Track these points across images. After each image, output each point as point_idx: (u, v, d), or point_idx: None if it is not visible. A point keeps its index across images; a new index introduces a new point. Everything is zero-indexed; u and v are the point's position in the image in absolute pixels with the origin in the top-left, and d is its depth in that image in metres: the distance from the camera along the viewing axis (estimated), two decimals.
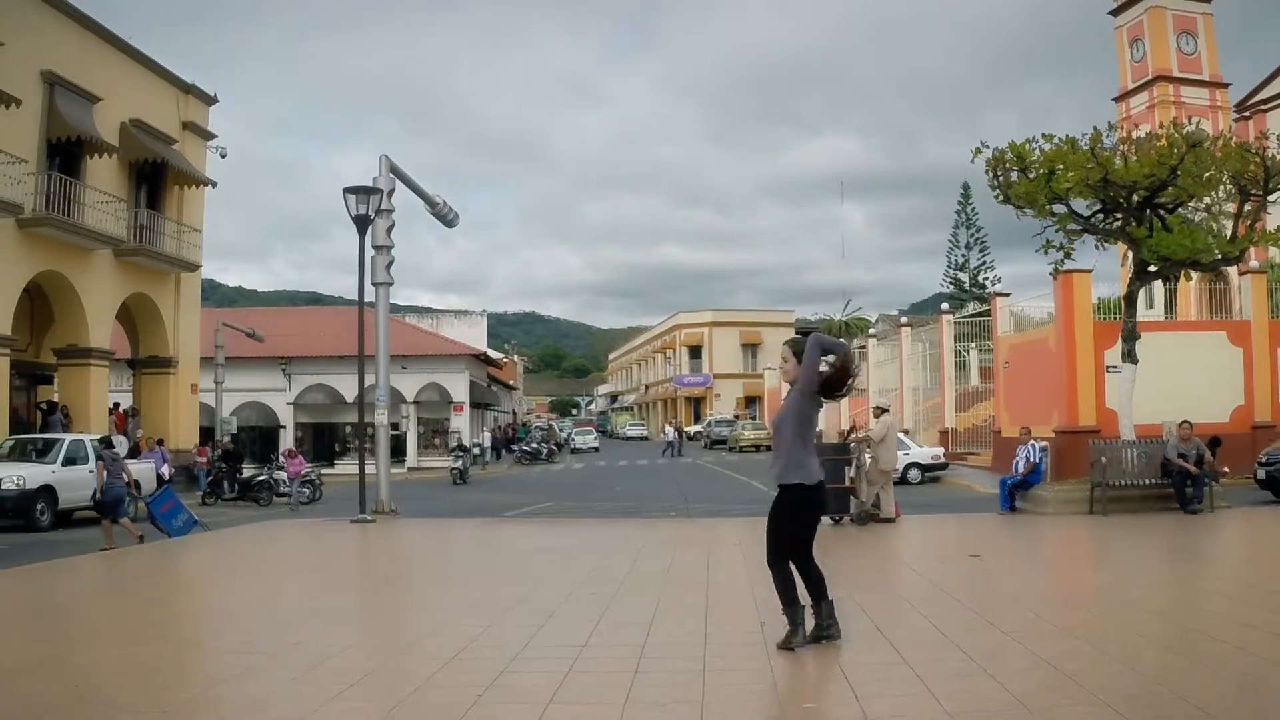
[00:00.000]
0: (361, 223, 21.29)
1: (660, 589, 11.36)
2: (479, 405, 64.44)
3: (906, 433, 44.14)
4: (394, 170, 23.04)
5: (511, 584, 12.07)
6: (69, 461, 24.33)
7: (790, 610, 7.98)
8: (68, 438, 25.76)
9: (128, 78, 34.31)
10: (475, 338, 71.47)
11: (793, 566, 8.04)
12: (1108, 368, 29.93)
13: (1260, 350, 32.62)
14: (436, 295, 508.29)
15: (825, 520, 18.12)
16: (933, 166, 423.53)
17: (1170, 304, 39.13)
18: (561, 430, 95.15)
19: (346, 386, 55.31)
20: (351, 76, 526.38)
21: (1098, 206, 21.08)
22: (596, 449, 78.36)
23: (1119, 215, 20.76)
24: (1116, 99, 70.68)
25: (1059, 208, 20.90)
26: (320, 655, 8.27)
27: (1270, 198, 21.71)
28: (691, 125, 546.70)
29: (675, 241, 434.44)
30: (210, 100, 39.37)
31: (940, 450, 38.78)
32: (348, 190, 21.35)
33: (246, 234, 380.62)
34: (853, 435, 20.33)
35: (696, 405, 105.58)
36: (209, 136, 39.35)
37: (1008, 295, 39.90)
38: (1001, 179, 20.85)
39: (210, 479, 33.27)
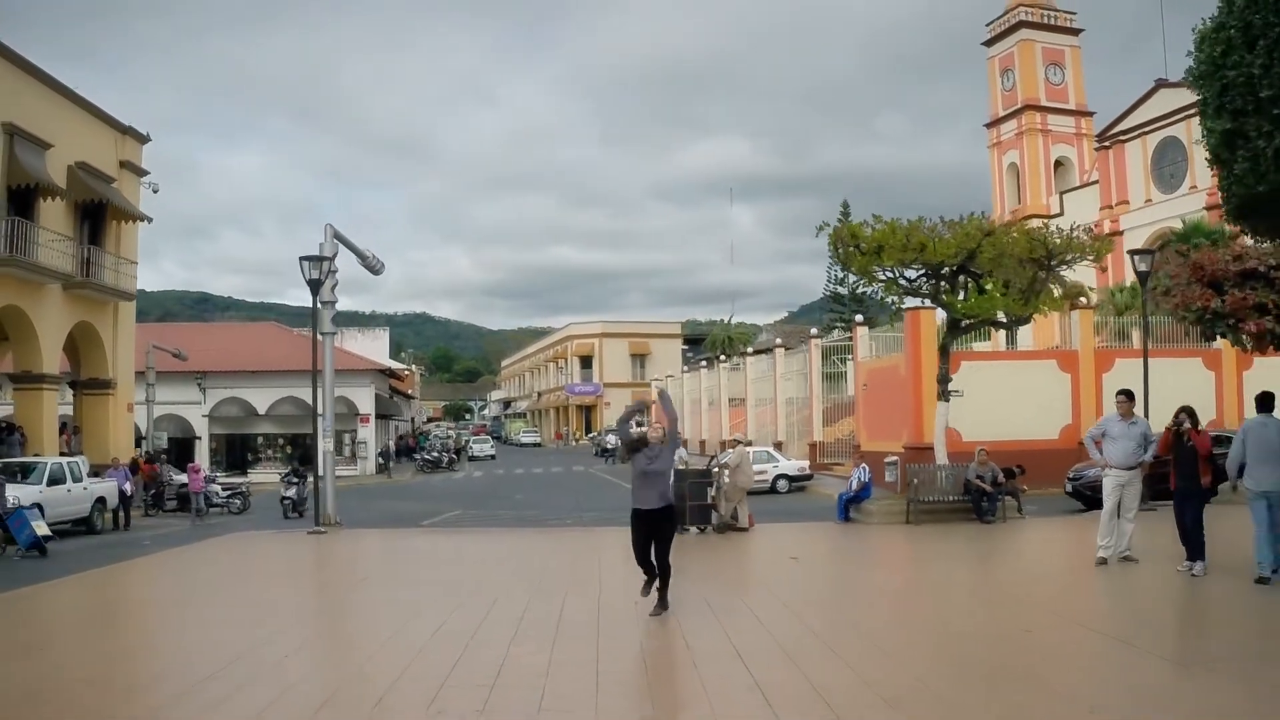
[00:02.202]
0: (314, 285, 25.48)
1: (568, 582, 15.87)
2: (383, 416, 68.10)
3: (779, 445, 48.70)
4: (337, 236, 27.14)
5: (459, 581, 16.53)
6: (53, 481, 27.47)
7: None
8: (50, 460, 29.11)
9: (73, 123, 37.07)
10: (378, 351, 75.06)
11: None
12: (949, 392, 34.65)
13: (1086, 376, 37.46)
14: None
15: (691, 530, 22.78)
16: (823, 168, 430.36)
17: (1012, 337, 43.89)
18: (461, 437, 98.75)
19: (258, 399, 59.01)
20: (244, 73, 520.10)
21: (921, 272, 25.77)
22: (493, 456, 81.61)
23: (936, 280, 25.50)
24: (988, 125, 75.32)
25: (889, 274, 25.63)
26: (352, 634, 12.77)
27: (1064, 269, 26.53)
28: (584, 126, 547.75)
29: (567, 242, 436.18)
30: (144, 139, 42.32)
31: (806, 463, 43.13)
32: (303, 259, 25.60)
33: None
34: (714, 461, 24.92)
35: (587, 413, 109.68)
36: (143, 173, 42.43)
37: (867, 326, 44.78)
38: (841, 251, 25.54)
39: (152, 492, 36.65)
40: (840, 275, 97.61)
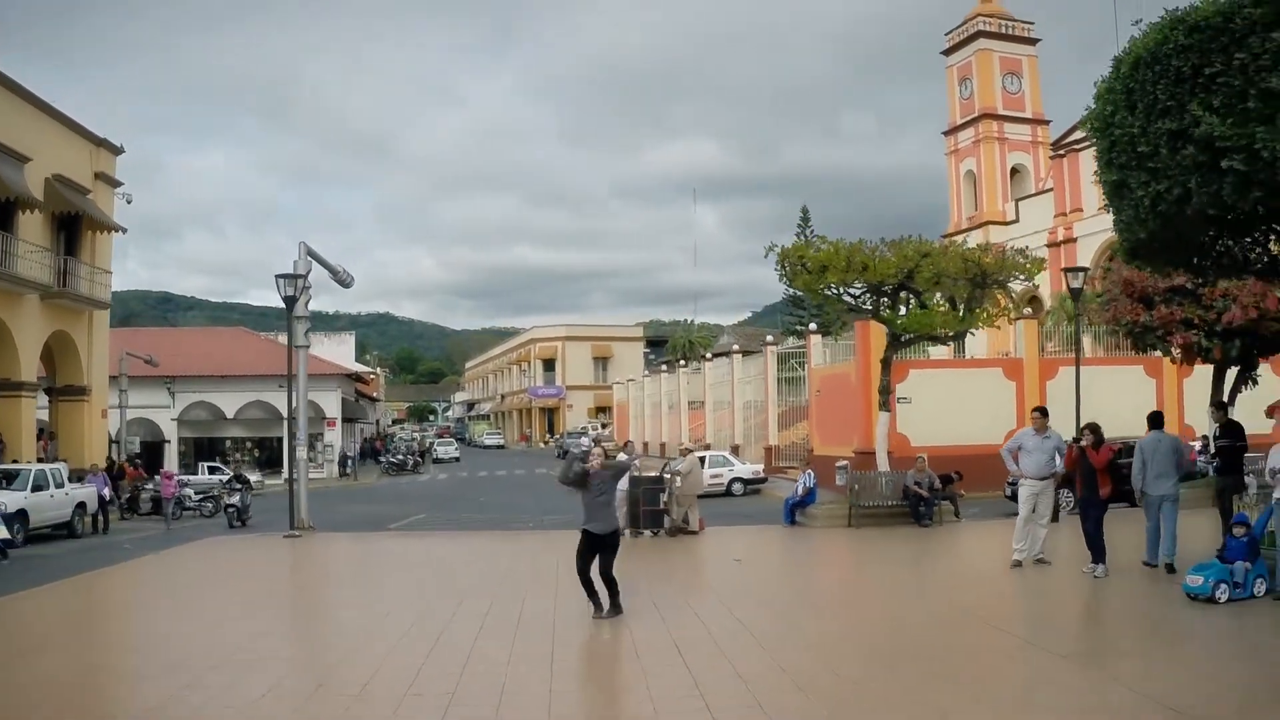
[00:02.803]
0: (289, 301, 26.83)
1: (528, 584, 17.29)
2: (349, 420, 69.34)
3: (736, 449, 50.10)
4: (310, 253, 28.50)
5: (428, 583, 17.97)
6: (37, 488, 28.38)
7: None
8: (34, 467, 30.07)
9: (49, 136, 37.92)
10: (344, 355, 76.38)
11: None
12: (898, 399, 36.10)
13: (1031, 382, 38.92)
14: None
15: (645, 533, 24.31)
16: (788, 169, 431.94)
17: (961, 347, 45.51)
18: (426, 440, 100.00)
19: (227, 404, 60.25)
20: (210, 73, 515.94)
21: (864, 289, 27.36)
22: (458, 459, 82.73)
23: (877, 297, 27.11)
24: (946, 133, 76.41)
25: (833, 290, 27.24)
26: (334, 631, 14.18)
27: (1013, 285, 28.27)
28: (548, 126, 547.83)
29: (530, 242, 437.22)
30: (117, 151, 43.15)
31: (761, 467, 44.40)
32: (279, 276, 27.01)
33: None
34: (666, 468, 26.38)
35: (550, 415, 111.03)
36: (116, 184, 43.31)
37: (820, 334, 46.22)
38: (789, 269, 27.07)
39: (128, 496, 37.71)
40: None
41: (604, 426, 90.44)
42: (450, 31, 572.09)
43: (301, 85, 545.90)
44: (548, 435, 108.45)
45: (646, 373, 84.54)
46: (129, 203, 44.22)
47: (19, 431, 36.51)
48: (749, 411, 55.90)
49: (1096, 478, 16.08)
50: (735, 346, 62.80)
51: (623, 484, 24.67)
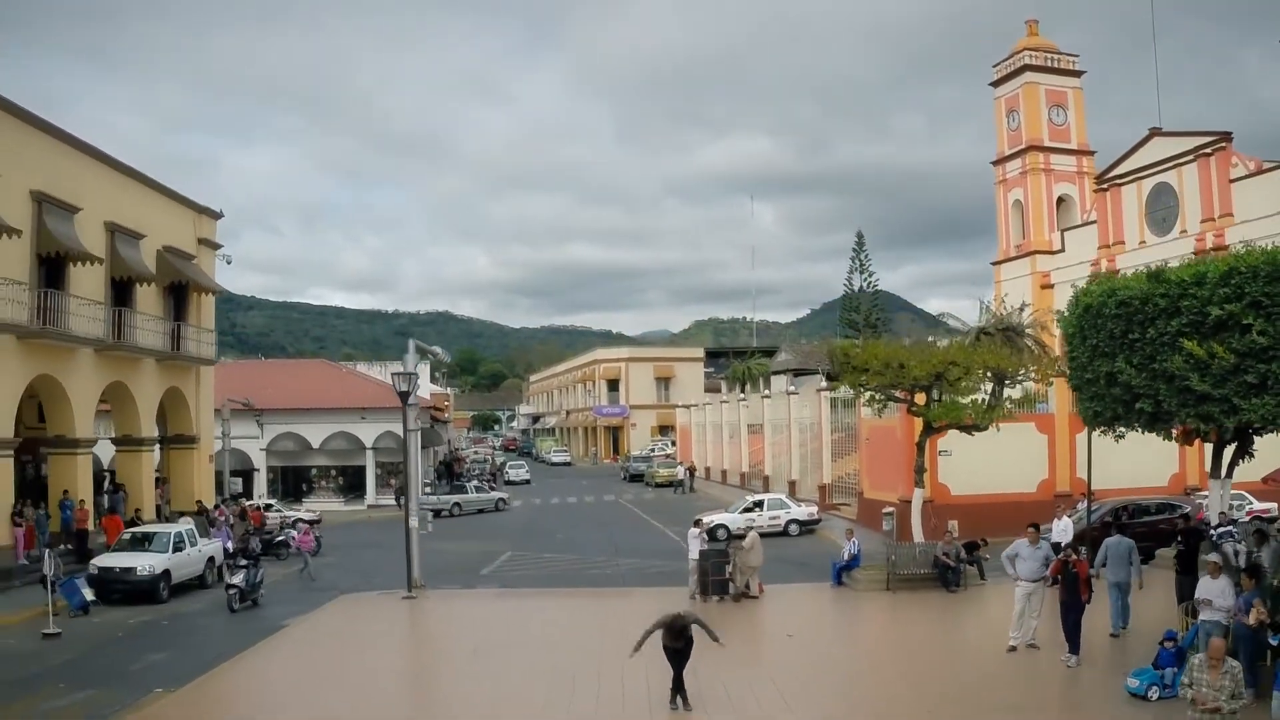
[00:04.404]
0: (404, 396, 31.08)
1: (622, 657, 20.18)
2: (426, 446, 73.20)
3: (793, 485, 53.75)
4: (418, 348, 32.66)
5: (543, 656, 21.92)
6: (176, 548, 31.64)
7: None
8: (173, 529, 33.18)
9: (158, 210, 42.17)
10: (421, 384, 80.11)
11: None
12: (940, 452, 39.42)
13: (1061, 437, 42.13)
14: (349, 294, 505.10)
15: (713, 599, 27.92)
16: (841, 167, 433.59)
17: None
18: (496, 459, 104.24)
19: (312, 434, 64.49)
20: (256, 72, 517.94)
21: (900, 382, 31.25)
22: (529, 481, 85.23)
23: (912, 389, 31.00)
24: (995, 163, 78.52)
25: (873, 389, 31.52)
26: (489, 699, 18.14)
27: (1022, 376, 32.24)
28: (598, 125, 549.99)
29: (584, 240, 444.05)
30: (217, 216, 47.09)
31: (815, 508, 48.14)
32: (395, 374, 31.49)
33: None
34: (731, 544, 30.11)
35: (615, 434, 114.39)
36: (216, 247, 47.39)
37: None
38: (838, 363, 31.07)
39: (240, 545, 41.04)
40: (855, 303, 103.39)
41: (673, 445, 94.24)
42: (496, 30, 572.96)
43: (351, 84, 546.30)
44: (608, 455, 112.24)
45: (707, 401, 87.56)
46: (229, 263, 48.54)
47: (140, 481, 40.91)
48: (805, 436, 59.48)
49: (1078, 584, 19.73)
50: (791, 388, 65.81)
51: (693, 554, 28.87)
